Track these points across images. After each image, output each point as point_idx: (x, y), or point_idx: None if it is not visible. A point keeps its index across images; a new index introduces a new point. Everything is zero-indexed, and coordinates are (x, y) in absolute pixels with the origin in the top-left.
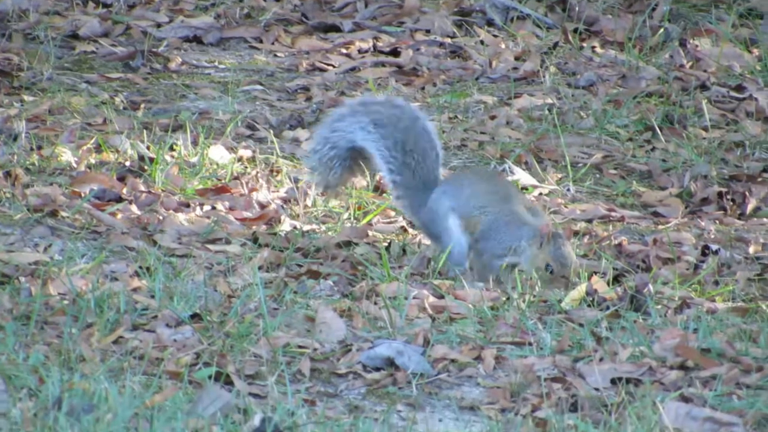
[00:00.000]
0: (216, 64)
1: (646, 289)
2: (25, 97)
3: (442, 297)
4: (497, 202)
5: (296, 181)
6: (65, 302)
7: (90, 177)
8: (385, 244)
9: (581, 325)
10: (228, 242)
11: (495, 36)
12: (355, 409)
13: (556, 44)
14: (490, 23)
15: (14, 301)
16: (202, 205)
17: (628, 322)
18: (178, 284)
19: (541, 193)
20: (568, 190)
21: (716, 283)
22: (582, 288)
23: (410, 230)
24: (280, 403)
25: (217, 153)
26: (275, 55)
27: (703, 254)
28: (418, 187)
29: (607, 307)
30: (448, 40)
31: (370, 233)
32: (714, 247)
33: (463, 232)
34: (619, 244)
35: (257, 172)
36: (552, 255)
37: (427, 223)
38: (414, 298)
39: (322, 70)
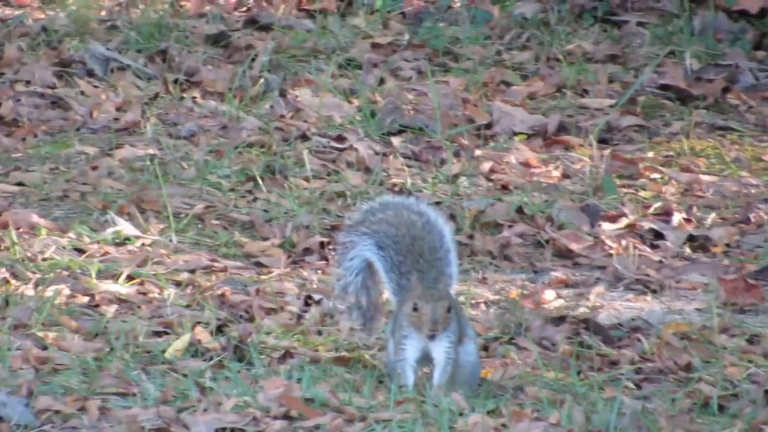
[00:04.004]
0: None
1: (250, 339)
2: None
3: (45, 348)
4: None
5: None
6: None
7: None
8: None
9: (185, 375)
10: None
11: (95, 87)
12: None
13: (156, 95)
14: (90, 74)
15: None
16: None
17: (231, 372)
18: None
19: (143, 244)
20: (171, 240)
21: (319, 332)
22: (185, 338)
23: (12, 281)
24: None
25: None
26: None
27: (306, 304)
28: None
29: (211, 358)
30: (49, 91)
31: None
32: (317, 296)
33: None
34: (222, 294)
35: None
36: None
37: None
38: (17, 349)
39: None
